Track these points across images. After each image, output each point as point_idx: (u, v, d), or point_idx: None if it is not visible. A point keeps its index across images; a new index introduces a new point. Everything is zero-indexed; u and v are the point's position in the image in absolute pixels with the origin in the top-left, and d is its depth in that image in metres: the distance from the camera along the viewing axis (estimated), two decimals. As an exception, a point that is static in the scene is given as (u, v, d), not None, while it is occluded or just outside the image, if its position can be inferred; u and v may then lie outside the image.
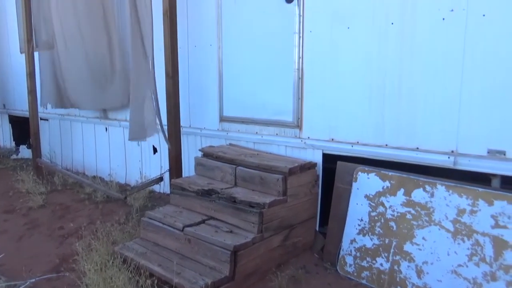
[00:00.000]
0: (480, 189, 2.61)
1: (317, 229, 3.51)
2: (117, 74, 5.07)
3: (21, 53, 6.77)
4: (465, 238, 2.59)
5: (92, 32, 5.14)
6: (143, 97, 4.16)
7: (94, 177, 5.79)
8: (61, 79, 5.68)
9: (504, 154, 2.62)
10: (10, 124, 7.97)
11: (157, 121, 4.13)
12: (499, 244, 2.47)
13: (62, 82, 5.68)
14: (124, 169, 5.51)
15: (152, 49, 4.06)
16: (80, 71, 5.37)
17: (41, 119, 6.42)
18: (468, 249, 2.57)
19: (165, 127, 4.21)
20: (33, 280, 3.04)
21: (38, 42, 5.76)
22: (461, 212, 2.64)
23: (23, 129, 7.06)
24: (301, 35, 3.47)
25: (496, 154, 2.65)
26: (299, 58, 3.50)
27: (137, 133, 4.29)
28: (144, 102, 4.16)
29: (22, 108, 7.07)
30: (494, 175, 2.70)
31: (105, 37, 5.07)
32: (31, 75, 5.83)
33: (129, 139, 4.46)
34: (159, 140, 4.77)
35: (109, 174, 5.65)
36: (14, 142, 7.93)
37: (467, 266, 2.55)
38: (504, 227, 2.47)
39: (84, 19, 5.17)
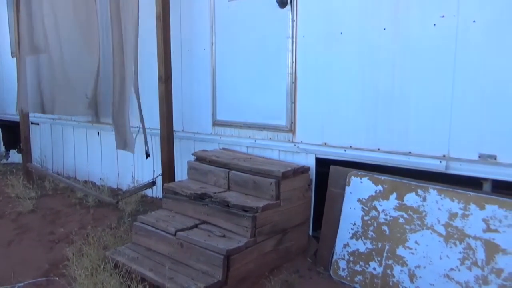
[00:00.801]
0: (472, 193, 2.63)
1: (310, 233, 3.51)
2: (100, 80, 5.08)
3: (12, 57, 6.71)
4: (457, 242, 2.61)
5: (77, 36, 5.12)
6: (126, 102, 4.19)
7: (85, 181, 5.73)
8: (45, 84, 5.60)
9: (495, 159, 2.65)
10: (0, 129, 7.88)
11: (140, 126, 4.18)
12: (491, 248, 2.49)
13: (45, 87, 5.59)
14: (116, 173, 5.46)
15: (136, 52, 4.07)
16: (64, 77, 5.33)
17: (32, 123, 6.36)
18: (460, 253, 2.58)
19: (158, 131, 4.21)
20: (21, 284, 2.99)
21: (26, 46, 5.69)
22: (453, 216, 2.65)
23: (13, 133, 6.98)
24: (294, 39, 3.49)
25: (487, 158, 2.68)
26: (292, 62, 3.51)
27: (123, 142, 4.30)
28: (126, 107, 4.19)
29: (12, 112, 6.99)
30: (485, 179, 2.72)
31: (89, 41, 5.07)
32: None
33: (116, 148, 4.47)
34: (152, 144, 4.74)
35: (100, 179, 5.60)
36: (4, 147, 7.84)
37: (459, 270, 2.56)
38: (496, 231, 2.49)
39: (72, 24, 5.13)
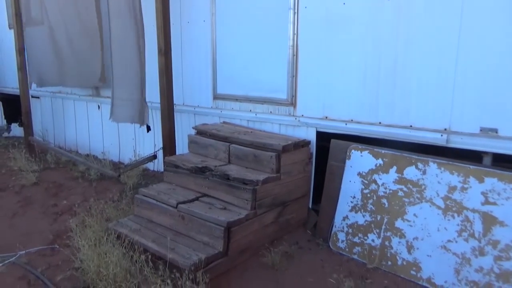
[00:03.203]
0: (472, 167, 2.63)
1: (310, 206, 3.54)
2: (101, 52, 5.02)
3: (9, 28, 6.61)
4: (455, 215, 2.63)
5: (77, 8, 5.04)
6: (132, 74, 4.14)
7: (87, 155, 5.76)
8: (49, 56, 5.55)
9: (496, 132, 2.64)
10: (0, 102, 7.85)
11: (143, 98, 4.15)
12: (488, 220, 2.51)
13: (50, 58, 5.55)
14: (117, 147, 5.48)
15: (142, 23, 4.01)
16: (64, 48, 5.28)
17: (32, 96, 6.33)
18: (458, 225, 2.61)
19: (158, 105, 4.19)
20: (23, 252, 3.06)
21: (27, 18, 5.62)
22: (452, 189, 2.67)
23: (14, 107, 6.96)
24: (296, 11, 3.41)
25: (489, 132, 2.66)
26: (294, 34, 3.45)
27: (137, 115, 4.27)
28: (133, 79, 4.15)
29: (12, 85, 6.96)
30: (486, 153, 2.72)
31: (89, 14, 4.99)
32: (20, 51, 5.70)
33: (112, 120, 4.42)
34: (153, 118, 4.74)
35: (102, 152, 5.62)
36: (5, 120, 7.84)
37: (456, 242, 2.60)
38: (494, 203, 2.51)
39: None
